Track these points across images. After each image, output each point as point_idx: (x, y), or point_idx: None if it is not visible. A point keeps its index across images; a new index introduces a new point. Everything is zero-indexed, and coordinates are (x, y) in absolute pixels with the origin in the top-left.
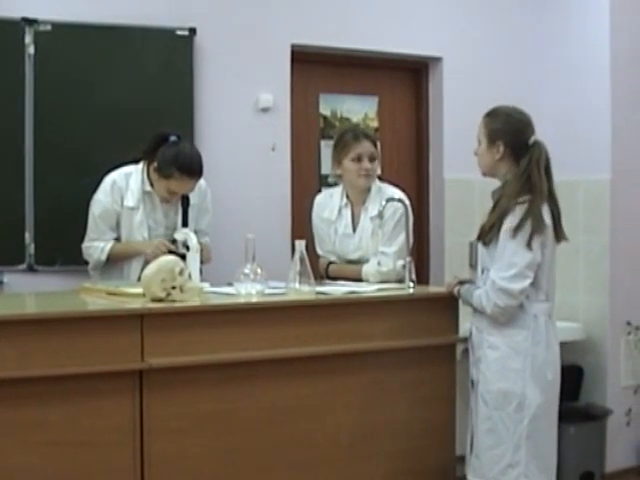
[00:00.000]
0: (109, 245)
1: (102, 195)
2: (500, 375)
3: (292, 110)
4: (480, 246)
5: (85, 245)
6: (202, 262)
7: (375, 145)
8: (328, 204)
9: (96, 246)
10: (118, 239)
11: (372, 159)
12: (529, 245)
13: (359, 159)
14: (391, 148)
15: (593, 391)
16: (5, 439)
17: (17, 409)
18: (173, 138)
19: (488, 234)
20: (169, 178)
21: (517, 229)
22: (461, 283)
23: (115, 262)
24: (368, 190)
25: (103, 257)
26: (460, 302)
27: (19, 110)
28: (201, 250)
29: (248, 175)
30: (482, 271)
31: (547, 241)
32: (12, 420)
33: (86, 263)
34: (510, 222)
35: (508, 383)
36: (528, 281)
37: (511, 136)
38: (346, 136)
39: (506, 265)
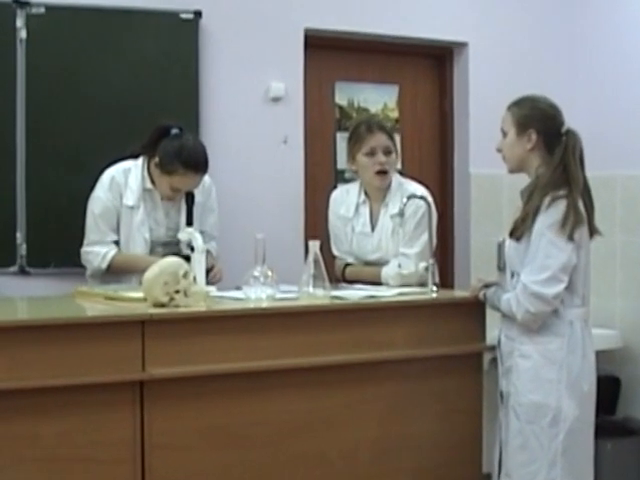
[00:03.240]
0: (111, 253)
1: (101, 192)
2: (533, 386)
3: (305, 100)
4: (509, 245)
5: (84, 249)
6: (209, 275)
7: (391, 137)
8: (345, 201)
9: (97, 252)
10: (117, 242)
11: (387, 152)
12: (568, 244)
13: (372, 153)
14: (412, 141)
15: (631, 403)
16: None
17: (7, 423)
18: (175, 131)
19: (520, 228)
20: (172, 174)
21: (554, 227)
22: (487, 286)
23: (117, 274)
24: (388, 186)
25: (103, 265)
26: (487, 307)
27: (10, 99)
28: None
29: (258, 170)
30: (512, 275)
31: (583, 241)
32: (2, 435)
33: (82, 266)
34: (545, 219)
35: (542, 395)
36: (562, 285)
37: (544, 123)
38: (359, 129)
39: (538, 267)
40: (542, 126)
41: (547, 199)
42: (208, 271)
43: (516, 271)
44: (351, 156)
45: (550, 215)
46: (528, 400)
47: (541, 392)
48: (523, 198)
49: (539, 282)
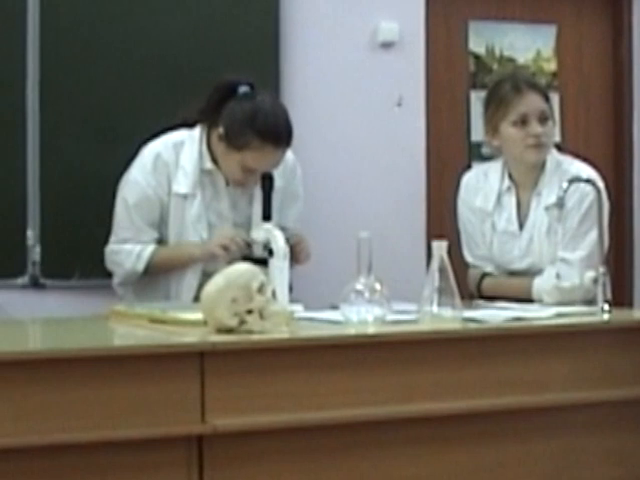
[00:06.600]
0: (149, 250)
1: (140, 174)
2: None
3: (427, 46)
4: None
5: (111, 248)
6: (293, 261)
7: (547, 99)
8: (482, 187)
9: (129, 250)
10: (160, 242)
11: (543, 120)
12: None
13: (524, 121)
14: (577, 102)
15: None
16: None
17: None
18: (244, 89)
19: None
20: (243, 149)
21: None
22: None
23: (157, 275)
24: (541, 166)
25: (139, 267)
26: None
27: (18, 52)
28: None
29: (361, 144)
30: None
31: None
32: None
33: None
34: None
35: None
36: None
37: None
38: (502, 88)
39: None
40: None
41: None
42: (291, 248)
43: None
44: (492, 127)
45: None
46: None
47: None
48: None
49: None
